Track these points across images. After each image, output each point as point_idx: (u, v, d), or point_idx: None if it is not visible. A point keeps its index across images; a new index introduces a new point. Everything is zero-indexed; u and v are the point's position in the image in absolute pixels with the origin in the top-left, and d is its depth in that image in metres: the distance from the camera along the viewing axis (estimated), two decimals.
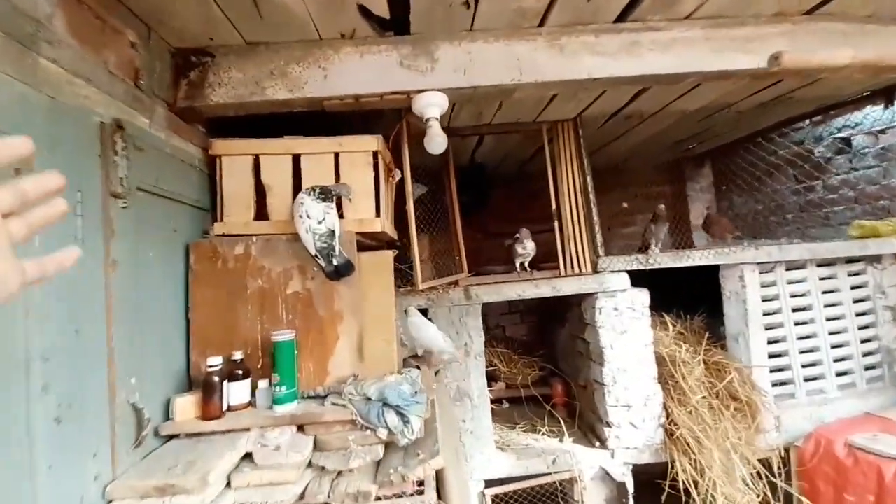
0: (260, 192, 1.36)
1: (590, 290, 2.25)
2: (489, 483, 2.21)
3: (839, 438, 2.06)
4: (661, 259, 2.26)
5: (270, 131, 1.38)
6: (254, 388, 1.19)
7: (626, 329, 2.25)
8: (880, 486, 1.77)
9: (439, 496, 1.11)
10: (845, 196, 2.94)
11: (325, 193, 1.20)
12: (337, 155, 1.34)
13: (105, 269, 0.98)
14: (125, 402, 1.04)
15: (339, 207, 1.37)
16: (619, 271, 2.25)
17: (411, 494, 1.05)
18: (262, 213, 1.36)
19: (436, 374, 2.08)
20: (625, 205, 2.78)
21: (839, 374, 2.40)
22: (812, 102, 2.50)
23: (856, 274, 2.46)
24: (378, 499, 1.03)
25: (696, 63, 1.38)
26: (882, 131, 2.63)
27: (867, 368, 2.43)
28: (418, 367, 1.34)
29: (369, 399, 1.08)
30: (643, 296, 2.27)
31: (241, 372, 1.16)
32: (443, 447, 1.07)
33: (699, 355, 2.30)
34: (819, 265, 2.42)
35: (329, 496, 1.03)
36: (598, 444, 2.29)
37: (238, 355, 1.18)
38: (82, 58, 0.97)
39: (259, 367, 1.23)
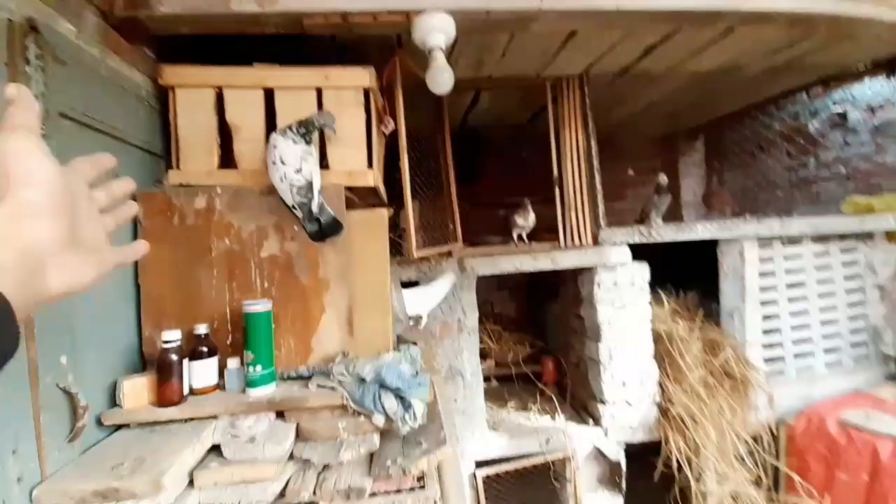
0: (225, 134, 1.12)
1: (590, 264, 2.13)
2: (479, 464, 2.11)
3: (831, 416, 2.06)
4: (664, 231, 2.15)
5: (236, 60, 1.13)
6: (222, 368, 0.99)
7: (624, 304, 2.16)
8: (875, 464, 1.77)
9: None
10: (837, 173, 2.91)
11: (304, 127, 0.98)
12: (320, 91, 1.11)
13: None
14: (52, 386, 0.82)
15: (324, 157, 1.15)
16: (620, 244, 2.13)
17: (411, 489, 0.90)
18: (228, 161, 1.13)
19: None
20: (630, 172, 2.66)
21: (827, 352, 2.41)
22: (818, 70, 2.41)
23: (848, 251, 2.45)
24: (373, 494, 0.88)
25: (733, 1, 1.21)
26: (879, 107, 2.59)
27: (854, 346, 2.45)
28: (415, 343, 1.17)
29: (363, 380, 0.91)
30: (644, 270, 2.17)
31: (205, 349, 0.96)
32: (448, 435, 0.92)
33: (696, 332, 2.25)
34: (814, 241, 2.38)
35: (315, 493, 0.87)
36: (591, 422, 2.23)
37: (202, 329, 0.97)
38: None
39: (228, 343, 1.03)
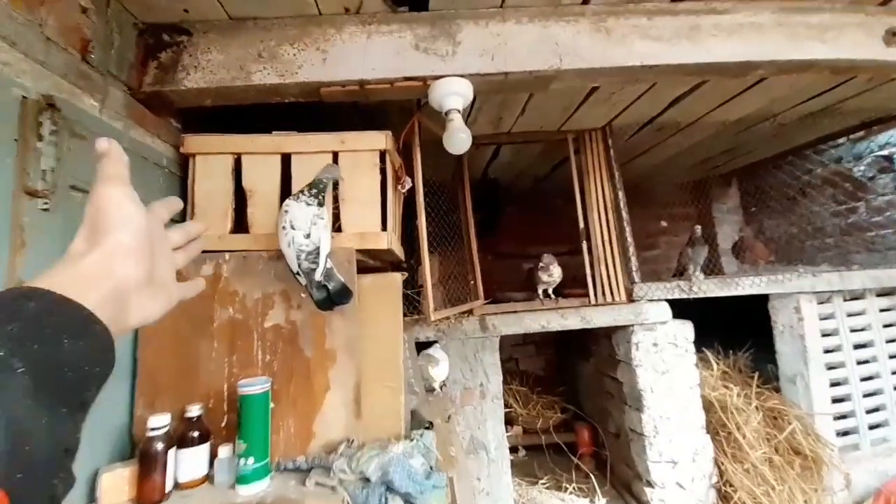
0: (240, 198, 1.11)
1: (625, 322, 1.95)
2: None
3: None
4: (707, 286, 1.97)
5: (255, 128, 1.14)
6: (214, 454, 0.89)
7: (667, 369, 1.94)
8: None
9: None
10: (890, 219, 2.67)
11: (315, 188, 0.95)
12: (336, 155, 1.09)
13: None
14: None
15: (337, 219, 1.11)
16: (658, 300, 1.95)
17: None
18: (241, 225, 1.10)
19: (448, 419, 1.76)
20: (663, 223, 2.53)
21: None
22: (857, 115, 2.28)
23: None
24: None
25: (767, 51, 1.15)
26: None
27: None
28: (430, 425, 1.03)
29: (367, 480, 0.78)
30: (687, 329, 1.97)
31: (196, 434, 0.86)
32: None
33: (753, 400, 1.98)
34: (879, 295, 2.12)
35: None
36: None
37: (195, 411, 0.88)
38: (6, 13, 0.74)
39: (223, 425, 0.93)
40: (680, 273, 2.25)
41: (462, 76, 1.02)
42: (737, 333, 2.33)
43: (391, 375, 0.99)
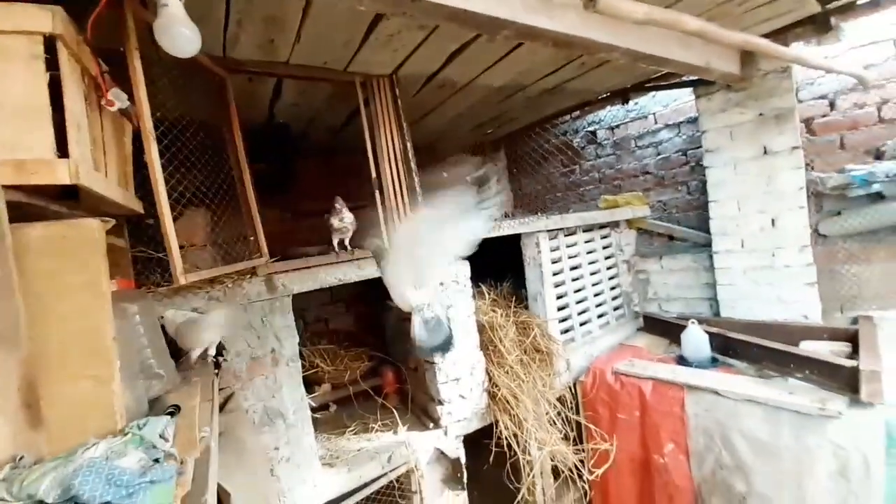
0: None
1: None
2: None
3: (608, 368, 2.56)
4: None
5: None
6: None
7: (451, 303, 2.21)
8: (642, 402, 2.26)
9: None
10: (593, 178, 3.75)
11: None
12: None
13: None
14: None
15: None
16: None
17: None
18: None
19: (227, 399, 1.53)
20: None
21: (599, 317, 3.04)
22: (576, 97, 3.01)
23: (605, 237, 3.15)
24: None
25: (511, 14, 1.31)
26: (616, 126, 3.43)
27: (615, 309, 3.17)
28: (176, 409, 0.83)
29: (41, 503, 0.55)
30: (465, 268, 2.27)
31: None
32: None
33: (511, 317, 2.50)
34: (584, 230, 2.97)
35: None
36: (431, 425, 2.20)
37: None
38: None
39: None
40: None
41: None
42: (503, 269, 2.87)
43: (96, 361, 0.72)
